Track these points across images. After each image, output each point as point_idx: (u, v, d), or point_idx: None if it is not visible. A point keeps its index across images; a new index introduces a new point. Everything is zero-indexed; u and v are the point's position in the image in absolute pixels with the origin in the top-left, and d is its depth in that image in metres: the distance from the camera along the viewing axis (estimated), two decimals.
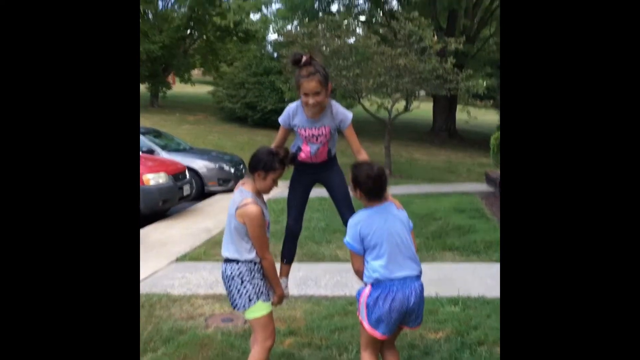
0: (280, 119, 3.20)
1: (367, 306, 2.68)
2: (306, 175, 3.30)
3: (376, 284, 2.67)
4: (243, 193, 2.87)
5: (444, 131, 24.52)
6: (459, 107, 25.39)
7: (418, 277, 2.71)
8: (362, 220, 2.73)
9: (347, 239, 2.76)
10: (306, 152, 3.20)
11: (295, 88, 3.11)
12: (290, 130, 3.22)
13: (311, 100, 2.98)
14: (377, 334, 2.68)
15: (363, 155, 3.09)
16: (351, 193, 2.87)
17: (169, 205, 8.67)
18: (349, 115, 3.17)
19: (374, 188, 2.72)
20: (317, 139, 3.14)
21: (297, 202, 3.34)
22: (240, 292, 2.84)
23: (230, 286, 2.88)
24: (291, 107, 3.18)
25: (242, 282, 2.84)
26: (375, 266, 2.67)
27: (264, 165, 2.84)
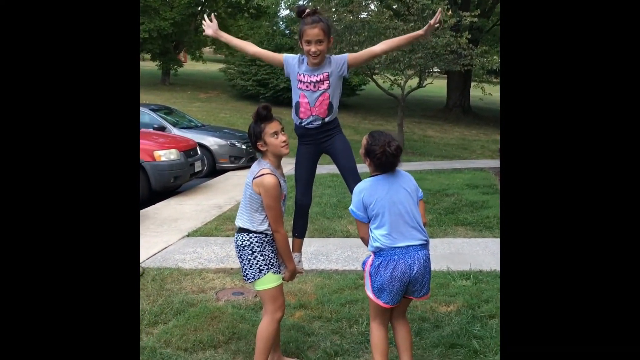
0: (286, 54, 3.20)
1: (370, 275, 2.67)
2: (309, 146, 3.22)
3: (378, 252, 2.65)
4: (261, 163, 2.84)
5: (458, 108, 24.23)
6: (473, 83, 25.12)
7: (423, 246, 2.68)
8: (365, 188, 2.70)
9: (351, 207, 2.74)
10: (304, 105, 3.12)
11: (298, 38, 3.07)
12: (280, 65, 3.20)
13: (313, 48, 2.96)
14: (381, 303, 2.66)
15: (381, 46, 3.17)
16: (362, 157, 2.79)
17: (180, 181, 8.67)
18: (344, 55, 3.19)
19: (386, 163, 2.67)
20: (315, 86, 3.08)
21: (303, 174, 3.26)
22: (251, 262, 2.82)
23: (241, 256, 2.86)
24: (301, 55, 3.16)
25: (253, 252, 2.82)
26: (377, 235, 2.65)
27: (255, 134, 2.83)
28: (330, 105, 3.12)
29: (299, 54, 3.17)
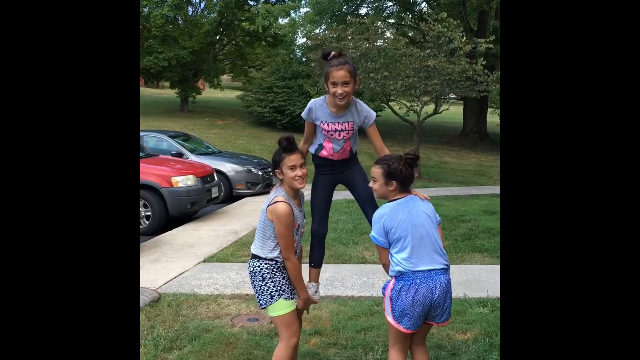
0: (303, 113, 3.16)
1: (391, 299, 2.65)
2: (327, 175, 3.23)
3: (399, 276, 2.64)
4: (277, 191, 2.87)
5: (474, 134, 24.20)
6: (489, 109, 25.11)
7: (444, 270, 2.66)
8: (386, 213, 2.69)
9: (372, 233, 2.74)
10: (328, 149, 3.13)
11: (324, 80, 3.03)
12: (315, 125, 3.16)
13: (339, 90, 2.92)
14: (401, 328, 2.64)
15: (386, 152, 3.06)
16: (379, 189, 2.79)
17: (197, 207, 8.73)
18: (373, 113, 3.13)
19: (410, 174, 2.71)
20: (339, 134, 3.07)
21: (319, 204, 3.25)
22: (262, 289, 2.83)
23: (253, 282, 2.87)
24: (315, 101, 3.12)
25: (263, 279, 2.82)
26: (399, 259, 2.63)
27: (274, 163, 2.87)
28: (350, 151, 3.18)
29: (310, 102, 3.13)
